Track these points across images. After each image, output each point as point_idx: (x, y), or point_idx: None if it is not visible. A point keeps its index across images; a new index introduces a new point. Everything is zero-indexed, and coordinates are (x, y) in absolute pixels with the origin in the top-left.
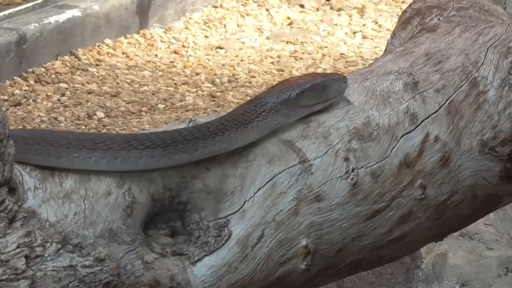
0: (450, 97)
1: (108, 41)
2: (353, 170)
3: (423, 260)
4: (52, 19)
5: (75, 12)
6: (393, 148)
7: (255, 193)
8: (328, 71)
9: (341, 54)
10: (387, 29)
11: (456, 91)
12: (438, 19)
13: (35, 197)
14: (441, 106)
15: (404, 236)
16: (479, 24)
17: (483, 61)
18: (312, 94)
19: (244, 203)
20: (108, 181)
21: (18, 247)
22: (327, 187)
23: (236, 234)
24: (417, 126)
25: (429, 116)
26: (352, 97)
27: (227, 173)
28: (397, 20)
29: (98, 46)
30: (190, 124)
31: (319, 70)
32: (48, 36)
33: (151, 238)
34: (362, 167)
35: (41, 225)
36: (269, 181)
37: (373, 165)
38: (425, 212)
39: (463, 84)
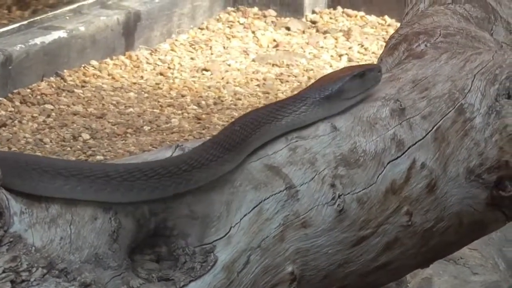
0: (437, 124)
1: (94, 62)
2: (339, 196)
3: (408, 284)
4: (38, 40)
5: (61, 33)
6: (380, 174)
7: (241, 219)
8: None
9: None
10: (373, 52)
11: (443, 118)
12: (425, 45)
13: (21, 222)
14: (427, 133)
15: (390, 263)
16: (466, 51)
17: (470, 88)
18: (352, 86)
19: (230, 229)
20: (95, 206)
21: (3, 272)
22: (314, 214)
23: (222, 260)
24: (403, 153)
25: (415, 142)
26: (338, 123)
27: (213, 199)
28: (382, 43)
29: (83, 67)
30: (177, 150)
31: None
32: (34, 57)
33: (137, 263)
34: (348, 193)
35: (27, 250)
36: (255, 207)
37: (359, 191)
38: (411, 239)
39: (450, 111)
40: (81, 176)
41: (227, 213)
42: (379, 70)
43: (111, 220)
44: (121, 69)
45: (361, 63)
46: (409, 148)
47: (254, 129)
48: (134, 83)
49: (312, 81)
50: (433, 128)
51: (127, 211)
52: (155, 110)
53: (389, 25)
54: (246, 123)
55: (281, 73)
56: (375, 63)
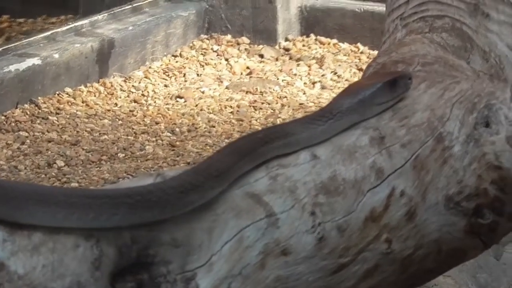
0: (416, 152)
1: (68, 89)
2: (319, 224)
3: None
4: (13, 67)
5: (35, 61)
6: (359, 202)
7: (222, 247)
8: (287, 121)
9: (300, 104)
10: (346, 80)
11: (422, 146)
12: None
13: (4, 250)
14: (407, 161)
15: None
16: (444, 80)
17: (449, 116)
18: (384, 92)
19: (211, 257)
20: (77, 233)
21: None
22: (294, 241)
23: (203, 287)
24: (383, 181)
25: (395, 171)
26: (319, 152)
27: (195, 227)
28: (355, 70)
29: (58, 94)
30: (158, 178)
31: (278, 121)
32: (8, 84)
33: None
34: (328, 221)
35: (9, 277)
36: (236, 234)
37: (339, 219)
38: (391, 266)
39: (429, 139)
40: (62, 203)
41: (209, 240)
42: (410, 77)
43: (93, 248)
44: (95, 96)
45: (334, 90)
46: (388, 176)
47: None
48: (108, 110)
49: (286, 108)
50: (412, 156)
51: (109, 239)
52: (129, 137)
53: (362, 52)
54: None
55: (255, 100)
56: (405, 71)
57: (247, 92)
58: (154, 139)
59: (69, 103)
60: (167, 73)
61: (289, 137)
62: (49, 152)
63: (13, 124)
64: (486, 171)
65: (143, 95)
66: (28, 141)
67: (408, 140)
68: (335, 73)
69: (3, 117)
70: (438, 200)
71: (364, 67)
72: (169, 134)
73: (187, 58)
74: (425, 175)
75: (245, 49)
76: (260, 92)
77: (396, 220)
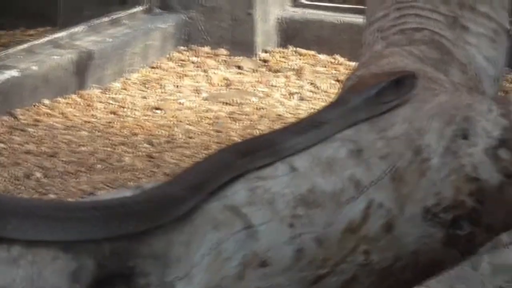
0: (394, 164)
1: (46, 101)
2: (298, 236)
3: None
4: None
5: (14, 73)
6: (338, 214)
7: (201, 259)
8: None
9: (278, 115)
10: (324, 91)
11: (400, 158)
12: None
13: None
14: (385, 173)
15: None
16: (423, 92)
17: (427, 129)
18: (389, 91)
19: (190, 268)
20: (56, 246)
21: None
22: (272, 253)
23: None
24: (361, 193)
25: (373, 183)
26: (297, 164)
27: (174, 239)
28: (333, 82)
29: (36, 106)
30: (137, 190)
31: (256, 132)
32: None
33: None
34: (307, 233)
35: None
36: (215, 246)
37: (317, 231)
38: (369, 278)
39: (407, 152)
40: (42, 216)
41: (187, 252)
42: (415, 76)
43: (72, 260)
44: (73, 108)
45: (312, 102)
46: (366, 188)
47: (289, 139)
48: (87, 122)
49: (264, 119)
50: (390, 168)
51: (88, 251)
52: (107, 149)
53: (340, 64)
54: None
55: (233, 112)
56: (410, 70)
57: (225, 104)
58: (132, 150)
59: (47, 115)
60: (145, 85)
61: (276, 145)
62: (27, 163)
63: None
64: (464, 183)
65: (121, 106)
66: (6, 152)
67: (387, 152)
68: (313, 85)
69: None
70: (416, 212)
71: (342, 78)
72: (147, 145)
73: (165, 70)
74: (403, 187)
75: (224, 60)
76: (238, 103)
77: (374, 232)
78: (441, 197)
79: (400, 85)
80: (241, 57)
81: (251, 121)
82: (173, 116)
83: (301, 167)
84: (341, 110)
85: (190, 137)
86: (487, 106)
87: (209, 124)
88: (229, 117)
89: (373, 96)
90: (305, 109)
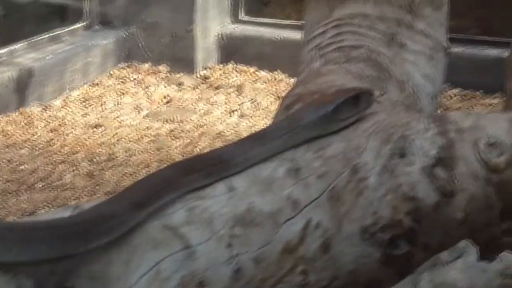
0: (332, 183)
1: None
2: (236, 256)
3: None
4: None
5: None
6: (276, 234)
7: (140, 279)
8: (206, 150)
9: (219, 132)
10: (264, 108)
11: (337, 177)
12: None
13: None
14: (322, 193)
15: None
16: None
17: (365, 147)
18: (345, 108)
19: None
20: None
21: None
22: (211, 273)
23: None
24: (299, 212)
25: (311, 202)
26: (235, 183)
27: (113, 259)
28: (274, 99)
29: None
30: (76, 210)
31: (197, 150)
32: None
33: None
34: (245, 253)
35: None
36: (153, 266)
37: (255, 251)
38: None
39: (345, 171)
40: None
41: (126, 272)
42: (372, 93)
43: (11, 281)
44: (13, 125)
45: (252, 119)
46: (304, 207)
47: (241, 154)
48: (27, 140)
49: (204, 137)
50: (328, 187)
51: (27, 271)
52: (48, 167)
53: (280, 80)
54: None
55: (173, 129)
56: (367, 87)
57: (165, 121)
58: (72, 168)
59: None
60: (86, 102)
61: (224, 162)
62: None
63: None
64: (401, 202)
65: (61, 124)
66: None
67: (324, 171)
68: (254, 102)
69: None
70: (353, 231)
71: (283, 95)
72: (87, 163)
73: (106, 87)
74: (341, 207)
75: (164, 77)
76: (179, 120)
77: (311, 252)
78: (378, 217)
79: (357, 102)
80: (181, 74)
81: (191, 138)
82: (113, 134)
83: (239, 187)
84: (294, 127)
85: (131, 155)
86: (424, 124)
87: (150, 141)
88: (170, 135)
89: (330, 113)
90: (245, 126)
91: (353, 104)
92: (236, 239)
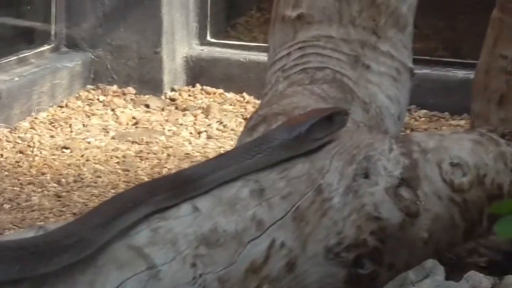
0: (296, 203)
1: None
2: (200, 275)
3: None
4: None
5: None
6: (240, 254)
7: None
8: (173, 171)
9: (186, 154)
10: (232, 129)
11: (301, 198)
12: None
13: None
14: (287, 213)
15: None
16: None
17: (329, 168)
18: (320, 128)
19: None
20: None
21: None
22: None
23: None
24: (263, 232)
25: (275, 222)
26: (200, 204)
27: (77, 279)
28: (241, 120)
29: None
30: (40, 231)
31: (164, 171)
32: None
33: None
34: (209, 272)
35: None
36: (118, 286)
37: (220, 271)
38: None
39: (309, 191)
40: None
41: None
42: (346, 113)
43: None
44: None
45: (220, 140)
46: (268, 227)
47: (211, 173)
48: None
49: (172, 158)
50: (292, 208)
51: None
52: (15, 188)
53: (247, 102)
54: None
55: (141, 151)
56: (341, 107)
57: (133, 142)
58: (40, 190)
59: None
60: (53, 124)
61: (195, 181)
62: None
63: None
64: (365, 222)
65: (29, 146)
66: None
67: (288, 192)
68: (221, 123)
69: None
70: (317, 251)
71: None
72: (55, 184)
73: (73, 109)
74: (305, 227)
75: (131, 99)
76: (146, 142)
77: (276, 272)
78: (343, 236)
79: (331, 121)
80: (148, 96)
81: (159, 160)
82: (81, 155)
83: (204, 207)
84: (267, 147)
85: (98, 176)
86: (388, 145)
87: (117, 163)
88: (137, 156)
89: (304, 133)
90: (213, 148)
91: (327, 124)
92: (200, 259)
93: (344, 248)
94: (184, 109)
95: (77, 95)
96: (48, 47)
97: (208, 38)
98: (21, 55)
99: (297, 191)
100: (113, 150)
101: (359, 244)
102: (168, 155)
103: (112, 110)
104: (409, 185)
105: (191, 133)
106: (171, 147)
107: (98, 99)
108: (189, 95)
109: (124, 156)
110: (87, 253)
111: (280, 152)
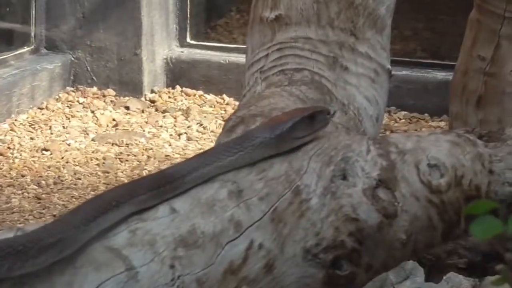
0: (274, 205)
1: None
2: (178, 277)
3: None
4: None
5: None
6: (218, 255)
7: None
8: (153, 172)
9: (166, 155)
10: (212, 131)
11: (279, 199)
12: None
13: None
14: (265, 214)
15: None
16: None
17: (306, 169)
18: (302, 127)
19: None
20: None
21: None
22: None
23: None
24: (241, 234)
25: (253, 223)
26: (177, 205)
27: (56, 280)
28: (221, 122)
29: None
30: (18, 232)
31: (144, 172)
32: None
33: None
34: (187, 274)
35: None
36: None
37: (198, 272)
38: None
39: (287, 192)
40: None
41: None
42: (328, 112)
43: None
44: None
45: (199, 142)
46: (246, 229)
47: (193, 171)
48: None
49: (152, 160)
50: (270, 209)
51: None
52: None
53: (227, 104)
54: (184, 166)
55: (121, 152)
56: (324, 106)
57: (113, 144)
58: (20, 192)
59: None
60: (33, 126)
61: (174, 181)
62: None
63: None
64: (343, 223)
65: (9, 148)
66: None
67: (266, 193)
68: (201, 125)
69: None
70: (296, 252)
71: None
72: (35, 186)
73: (53, 111)
74: (283, 228)
75: (111, 101)
76: (126, 144)
77: (254, 273)
78: (321, 238)
79: (313, 120)
80: (128, 98)
81: (139, 161)
82: (61, 157)
83: (181, 209)
84: (248, 145)
85: (78, 178)
86: (366, 146)
87: (97, 165)
88: (117, 158)
89: (286, 131)
90: (193, 149)
91: (309, 123)
92: (178, 261)
93: (322, 249)
94: (164, 111)
95: (57, 97)
96: (28, 49)
97: (188, 39)
98: (0, 57)
99: (275, 192)
100: (93, 152)
101: (337, 245)
102: (148, 157)
103: (92, 112)
104: (386, 186)
105: (171, 135)
106: (151, 149)
107: (78, 101)
108: (169, 97)
109: (104, 158)
110: (66, 255)
111: (262, 150)
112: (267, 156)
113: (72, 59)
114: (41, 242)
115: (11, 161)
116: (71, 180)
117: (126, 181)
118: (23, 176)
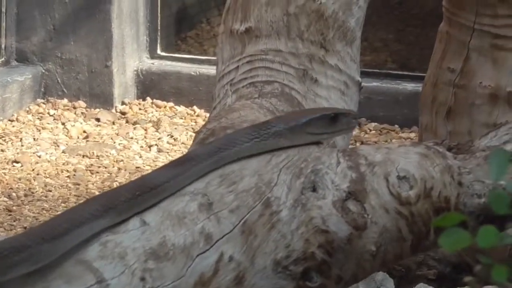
0: (244, 217)
1: None
2: None
3: None
4: None
5: None
6: (189, 267)
7: None
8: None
9: (137, 167)
10: (182, 143)
11: (250, 211)
12: None
13: None
14: (235, 226)
15: None
16: None
17: (276, 181)
18: (320, 124)
19: None
20: None
21: None
22: None
23: None
24: (212, 246)
25: (223, 236)
26: (148, 218)
27: None
28: (192, 133)
29: None
30: None
31: (115, 184)
32: None
33: None
34: (158, 286)
35: None
36: None
37: (169, 284)
38: None
39: (257, 205)
40: None
41: None
42: (355, 117)
43: None
44: None
45: (170, 153)
46: (217, 241)
47: (212, 155)
48: None
49: (123, 171)
50: (240, 221)
51: None
52: None
53: (198, 115)
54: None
55: (91, 164)
56: (351, 110)
57: (83, 156)
58: None
59: None
60: (3, 138)
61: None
62: None
63: None
64: (314, 235)
65: None
66: None
67: (236, 205)
68: (172, 136)
69: None
70: (266, 264)
71: None
72: (5, 198)
73: (23, 123)
74: (253, 240)
75: (82, 113)
76: (97, 156)
77: (225, 285)
78: (291, 250)
79: (335, 121)
80: (99, 109)
81: (109, 173)
82: (31, 169)
83: (152, 221)
84: (263, 134)
85: (49, 190)
86: (336, 158)
87: (68, 177)
88: (88, 170)
89: (300, 125)
90: (163, 161)
91: (330, 123)
92: (149, 273)
93: (292, 261)
94: (135, 123)
95: (27, 109)
96: None
97: (159, 51)
98: None
99: (245, 204)
100: (63, 164)
101: (307, 257)
102: (119, 168)
103: (63, 124)
104: (356, 198)
105: (141, 146)
106: (121, 160)
107: (48, 113)
108: (140, 109)
109: (74, 170)
110: (35, 267)
111: (276, 140)
112: (281, 147)
113: (43, 71)
114: (13, 254)
115: None
116: (41, 192)
117: (97, 193)
118: None
